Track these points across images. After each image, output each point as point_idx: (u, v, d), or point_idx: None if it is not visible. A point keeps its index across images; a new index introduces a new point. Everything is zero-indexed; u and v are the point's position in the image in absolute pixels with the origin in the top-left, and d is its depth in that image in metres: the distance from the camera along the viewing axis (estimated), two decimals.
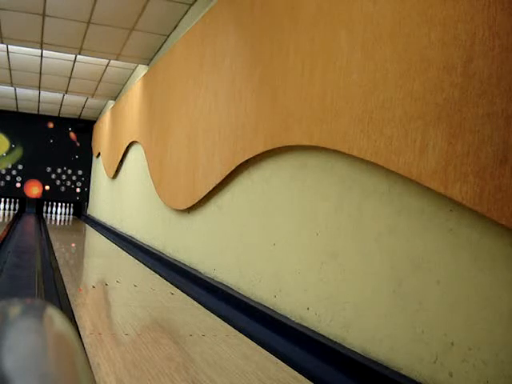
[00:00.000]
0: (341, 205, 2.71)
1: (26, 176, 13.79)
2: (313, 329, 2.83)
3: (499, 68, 1.78)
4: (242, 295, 3.70)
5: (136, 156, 8.20)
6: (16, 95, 11.70)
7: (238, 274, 3.89)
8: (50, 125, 13.98)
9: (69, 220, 13.28)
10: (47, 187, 13.99)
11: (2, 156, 13.65)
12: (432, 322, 2.07)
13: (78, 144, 14.24)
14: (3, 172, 13.64)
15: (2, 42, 7.32)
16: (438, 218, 2.07)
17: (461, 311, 1.94)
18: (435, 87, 2.04)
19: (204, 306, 3.75)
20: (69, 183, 14.20)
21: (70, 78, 9.38)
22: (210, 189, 4.51)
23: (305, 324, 2.92)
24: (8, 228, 8.94)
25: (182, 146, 5.54)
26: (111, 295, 4.23)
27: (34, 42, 7.21)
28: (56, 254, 6.07)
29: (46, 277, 4.52)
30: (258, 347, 2.82)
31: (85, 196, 14.26)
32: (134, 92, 8.54)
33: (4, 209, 13.78)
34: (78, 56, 8.03)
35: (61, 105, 12.49)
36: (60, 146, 14.04)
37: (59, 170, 14.09)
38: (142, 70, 8.24)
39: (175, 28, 6.35)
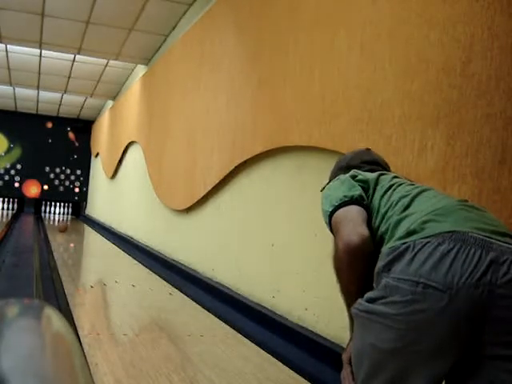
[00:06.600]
0: None
1: (25, 176, 13.77)
2: (311, 329, 2.83)
3: (498, 69, 1.78)
4: (241, 295, 3.69)
5: (135, 156, 8.19)
6: (15, 95, 11.69)
7: (237, 275, 3.89)
8: (49, 124, 13.97)
9: (67, 220, 13.26)
10: (46, 187, 13.98)
11: (1, 156, 13.64)
12: None
13: (77, 144, 14.24)
14: (2, 172, 13.63)
15: (1, 42, 7.31)
16: None
17: None
18: (434, 88, 2.04)
19: (202, 307, 3.75)
20: (67, 183, 14.19)
21: (69, 77, 9.37)
22: (209, 189, 4.51)
23: (303, 324, 2.92)
24: (6, 228, 8.93)
25: (181, 146, 5.53)
26: (109, 295, 4.23)
27: (33, 42, 7.20)
28: (54, 254, 6.06)
29: (45, 277, 4.51)
30: (257, 348, 2.82)
31: (83, 196, 14.26)
32: (133, 92, 8.54)
33: (2, 208, 13.77)
34: (77, 56, 8.03)
35: (59, 105, 12.48)
36: (59, 146, 14.03)
37: (58, 170, 14.08)
38: (140, 70, 8.23)
39: (174, 28, 6.35)
